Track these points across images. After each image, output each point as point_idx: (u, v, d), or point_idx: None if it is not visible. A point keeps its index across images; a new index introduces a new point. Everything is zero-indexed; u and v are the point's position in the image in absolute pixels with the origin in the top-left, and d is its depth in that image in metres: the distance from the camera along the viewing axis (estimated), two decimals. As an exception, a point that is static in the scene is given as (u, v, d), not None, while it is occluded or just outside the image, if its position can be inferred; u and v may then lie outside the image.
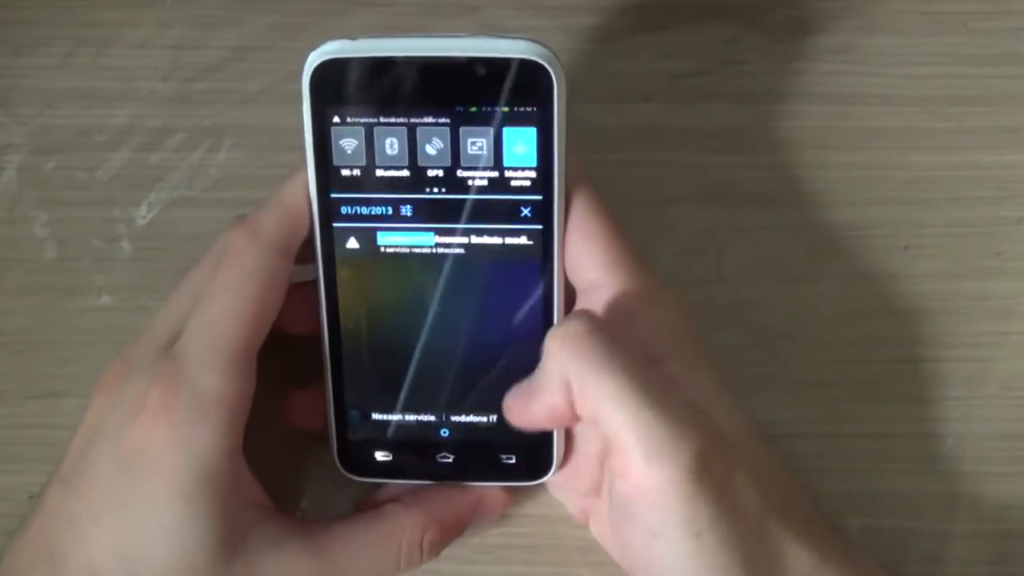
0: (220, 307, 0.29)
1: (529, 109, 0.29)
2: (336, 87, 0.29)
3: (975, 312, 0.38)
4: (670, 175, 0.40)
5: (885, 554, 0.35)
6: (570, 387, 0.29)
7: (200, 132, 0.41)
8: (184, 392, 0.28)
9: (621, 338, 0.29)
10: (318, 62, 0.29)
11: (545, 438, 0.33)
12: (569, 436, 0.33)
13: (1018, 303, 0.38)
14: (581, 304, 0.32)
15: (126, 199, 0.40)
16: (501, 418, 0.33)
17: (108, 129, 0.41)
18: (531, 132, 0.29)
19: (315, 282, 0.32)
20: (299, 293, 0.31)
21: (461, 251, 0.31)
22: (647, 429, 0.28)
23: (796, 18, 0.42)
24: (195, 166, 0.40)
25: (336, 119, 0.30)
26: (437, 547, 0.32)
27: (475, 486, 0.34)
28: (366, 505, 0.34)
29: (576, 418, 0.29)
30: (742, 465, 0.29)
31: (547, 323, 0.31)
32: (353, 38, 0.29)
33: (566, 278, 0.32)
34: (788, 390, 0.37)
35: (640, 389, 0.28)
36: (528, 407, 0.30)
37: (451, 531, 0.33)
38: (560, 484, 0.34)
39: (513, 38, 0.29)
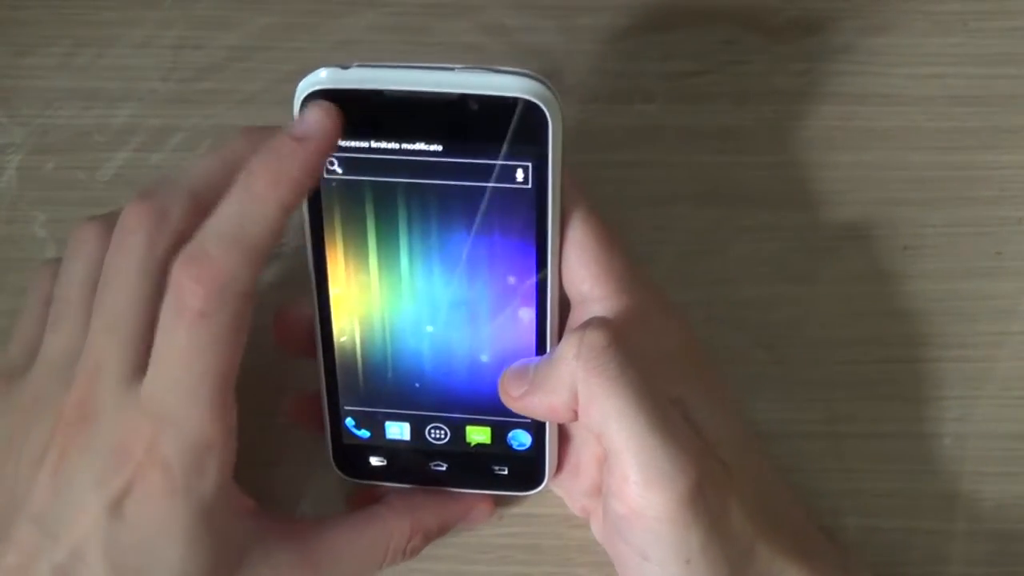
0: (193, 368, 0.27)
1: (522, 146, 0.29)
2: None
3: (975, 312, 0.38)
4: (670, 175, 0.40)
5: (885, 554, 0.35)
6: (575, 394, 0.29)
7: (200, 132, 0.41)
8: (173, 442, 0.27)
9: (638, 351, 0.29)
10: (308, 91, 0.28)
11: (538, 453, 0.33)
12: (567, 439, 0.33)
13: (1018, 303, 0.38)
14: (575, 318, 0.31)
15: (126, 199, 0.39)
16: (495, 433, 0.33)
17: (108, 129, 0.41)
18: (525, 167, 0.29)
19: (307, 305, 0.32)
20: (292, 318, 0.31)
21: (455, 275, 0.31)
22: (649, 454, 0.28)
23: (796, 18, 0.42)
24: (195, 166, 0.40)
25: None
26: (418, 550, 0.33)
27: (466, 493, 0.34)
28: (356, 500, 0.34)
29: (573, 419, 0.29)
30: (736, 491, 0.29)
31: (540, 345, 0.31)
32: (345, 66, 0.28)
33: (562, 291, 0.31)
34: (788, 390, 0.37)
35: (647, 411, 0.28)
36: (527, 398, 0.30)
37: (434, 537, 0.33)
38: (561, 483, 0.34)
39: (509, 73, 0.28)
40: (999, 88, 0.41)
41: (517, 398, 0.30)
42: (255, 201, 0.27)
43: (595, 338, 0.28)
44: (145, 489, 0.27)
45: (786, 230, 0.39)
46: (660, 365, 0.30)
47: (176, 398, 0.27)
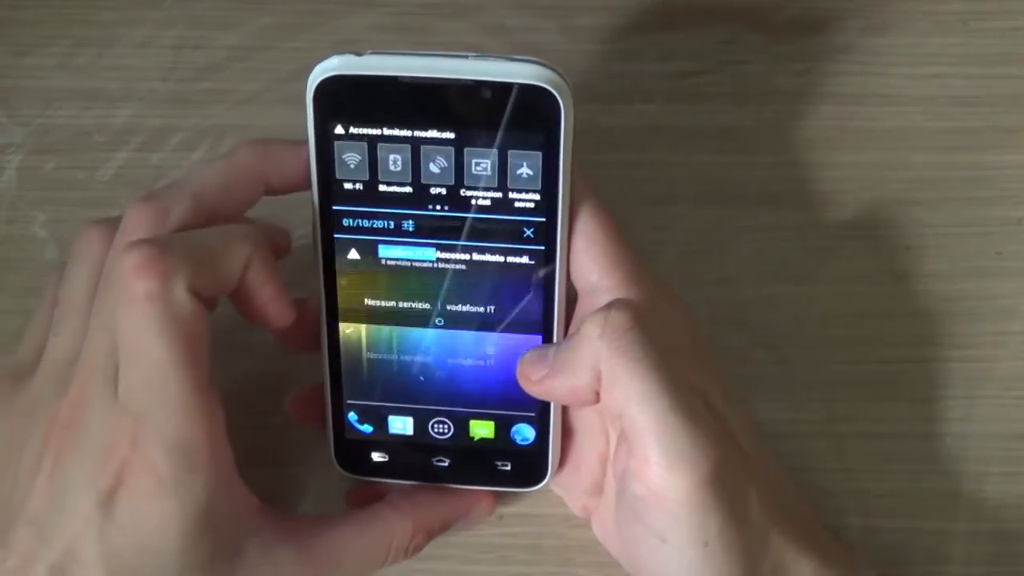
0: (154, 357, 0.27)
1: (535, 133, 0.29)
2: (340, 103, 0.29)
3: (976, 312, 0.38)
4: (670, 175, 0.40)
5: (886, 554, 0.35)
6: (599, 375, 0.29)
7: (200, 132, 0.41)
8: (153, 439, 0.27)
9: (657, 336, 0.29)
10: (322, 78, 0.29)
11: (541, 448, 0.33)
12: (569, 435, 0.33)
13: (1019, 303, 0.38)
14: (582, 308, 0.32)
15: (126, 199, 0.39)
16: (498, 427, 0.33)
17: (108, 129, 0.41)
18: (536, 155, 0.29)
19: (314, 293, 0.32)
20: (297, 311, 0.31)
21: (462, 267, 0.31)
22: (671, 435, 0.28)
23: (796, 18, 0.42)
24: (195, 166, 0.40)
25: (339, 133, 0.29)
26: (420, 548, 0.33)
27: (469, 489, 0.34)
28: (357, 497, 0.34)
29: (594, 402, 0.30)
30: (754, 477, 0.29)
31: (546, 336, 0.31)
32: (359, 53, 0.29)
33: (568, 282, 0.32)
34: (788, 390, 0.37)
35: (670, 392, 0.28)
36: (548, 381, 0.30)
37: (436, 535, 0.33)
38: (562, 482, 0.34)
39: (521, 60, 0.28)
40: (999, 88, 0.41)
41: (537, 381, 0.30)
42: (229, 258, 0.29)
43: (620, 319, 0.28)
44: (135, 489, 0.27)
45: (786, 230, 0.39)
46: (674, 354, 0.30)
47: (146, 395, 0.27)
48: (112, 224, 0.31)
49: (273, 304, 0.30)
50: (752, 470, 0.30)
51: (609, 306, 0.29)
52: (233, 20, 0.42)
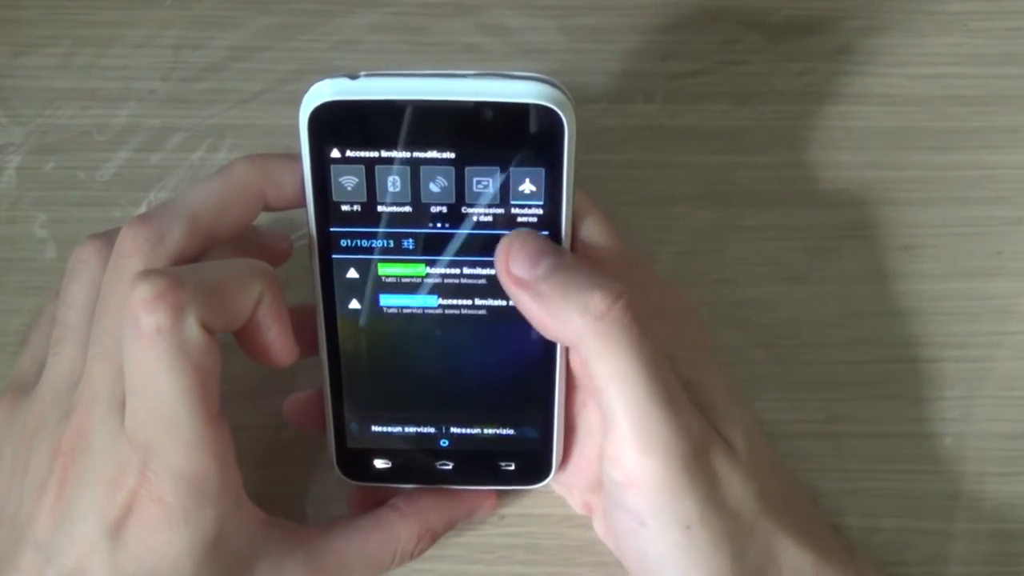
0: (164, 393, 0.27)
1: (538, 150, 0.28)
2: (335, 128, 0.28)
3: (975, 312, 0.38)
4: (670, 175, 0.40)
5: (885, 554, 0.35)
6: (579, 343, 0.28)
7: (200, 132, 0.41)
8: (163, 473, 0.27)
9: (645, 325, 0.28)
10: (316, 104, 0.28)
11: (544, 446, 0.33)
12: (571, 432, 0.33)
13: (1018, 303, 0.38)
14: None
15: (126, 199, 0.40)
16: (502, 429, 0.33)
17: (108, 129, 0.41)
18: (539, 171, 0.29)
19: (313, 304, 0.31)
20: (295, 317, 0.31)
21: (464, 280, 0.31)
22: (646, 418, 0.28)
23: (796, 18, 0.42)
24: (195, 166, 0.40)
25: (336, 157, 0.29)
26: (425, 551, 0.33)
27: (472, 489, 0.34)
28: (358, 499, 0.34)
29: (564, 343, 0.29)
30: (739, 467, 0.29)
31: (547, 344, 0.31)
32: (353, 75, 0.28)
33: None
34: (788, 390, 0.37)
35: (648, 376, 0.28)
36: (533, 302, 0.29)
37: (440, 537, 0.33)
38: (564, 479, 0.34)
39: (522, 78, 0.28)
40: (999, 88, 0.41)
41: (516, 282, 0.29)
42: (241, 293, 0.28)
43: (605, 300, 0.28)
44: (144, 520, 0.27)
45: (786, 230, 0.39)
46: (674, 349, 0.30)
47: (155, 428, 0.27)
48: (108, 239, 0.30)
49: (278, 342, 0.29)
50: (738, 460, 0.30)
51: (597, 286, 0.28)
52: (233, 20, 0.42)
